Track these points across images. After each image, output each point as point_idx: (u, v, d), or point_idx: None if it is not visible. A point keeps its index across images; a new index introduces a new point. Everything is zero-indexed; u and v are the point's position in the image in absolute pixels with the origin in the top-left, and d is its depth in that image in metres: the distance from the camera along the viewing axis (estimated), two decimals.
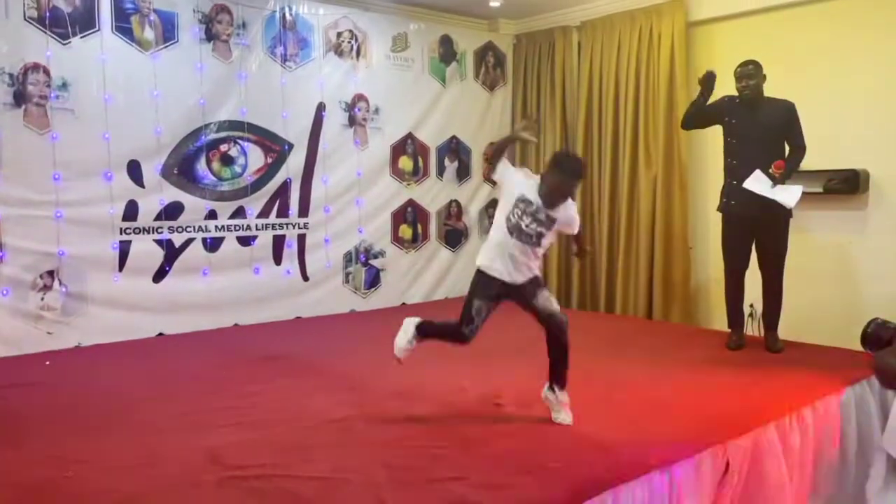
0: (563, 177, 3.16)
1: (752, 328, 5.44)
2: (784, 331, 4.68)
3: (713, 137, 5.77)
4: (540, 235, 3.21)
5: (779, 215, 4.46)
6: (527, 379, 3.91)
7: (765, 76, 4.48)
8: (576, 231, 3.36)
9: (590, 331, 4.99)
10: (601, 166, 6.31)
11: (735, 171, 4.53)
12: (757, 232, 4.56)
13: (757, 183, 4.37)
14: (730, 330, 4.77)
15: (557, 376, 3.26)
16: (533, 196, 3.18)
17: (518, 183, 3.24)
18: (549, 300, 3.29)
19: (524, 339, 4.92)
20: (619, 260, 6.14)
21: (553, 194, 3.16)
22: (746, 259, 4.65)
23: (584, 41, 6.42)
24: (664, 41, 5.79)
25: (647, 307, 5.97)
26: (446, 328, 3.39)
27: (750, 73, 4.45)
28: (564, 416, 3.23)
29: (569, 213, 3.25)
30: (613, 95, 6.17)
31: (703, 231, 5.88)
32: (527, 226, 3.18)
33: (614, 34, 6.13)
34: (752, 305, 5.43)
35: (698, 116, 4.71)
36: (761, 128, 4.45)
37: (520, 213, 3.18)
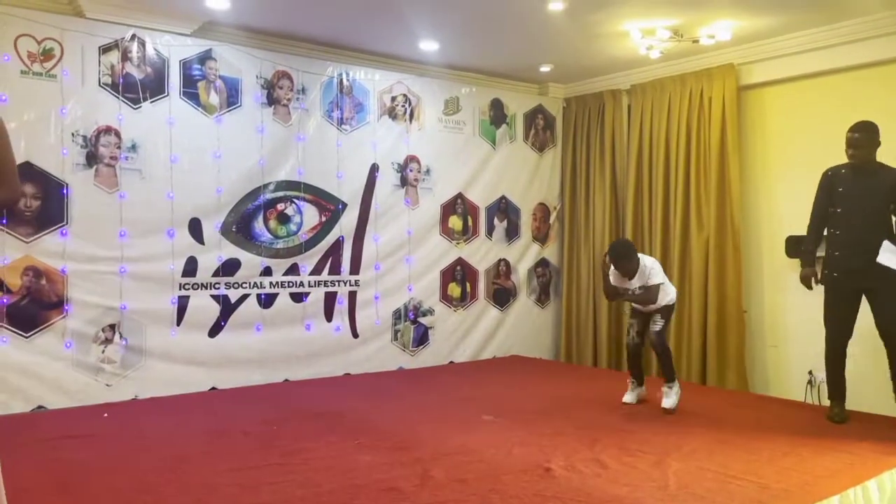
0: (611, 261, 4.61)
1: (811, 396, 5.28)
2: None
3: (766, 198, 5.74)
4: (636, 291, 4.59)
5: (890, 281, 4.17)
6: (575, 443, 3.86)
7: (879, 142, 4.26)
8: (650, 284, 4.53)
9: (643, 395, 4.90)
10: (652, 228, 6.28)
11: (836, 241, 4.33)
12: (868, 301, 4.30)
13: (891, 256, 4.11)
14: (830, 402, 4.48)
15: (664, 373, 4.64)
16: (618, 282, 4.66)
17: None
18: (653, 323, 4.62)
19: (573, 404, 4.88)
20: (672, 323, 6.03)
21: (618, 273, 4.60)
22: (850, 330, 4.39)
23: (635, 104, 6.49)
24: (715, 104, 5.81)
25: (700, 372, 5.83)
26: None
27: (857, 141, 4.23)
28: (666, 401, 4.55)
29: (644, 273, 4.51)
30: (664, 157, 6.19)
31: (758, 295, 5.77)
32: (630, 293, 4.64)
33: (664, 97, 6.18)
34: (811, 372, 5.29)
35: (823, 221, 4.48)
36: (867, 196, 4.24)
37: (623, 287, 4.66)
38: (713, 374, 5.73)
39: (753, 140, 5.83)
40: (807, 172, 5.43)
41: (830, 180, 4.42)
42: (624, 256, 4.51)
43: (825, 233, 4.47)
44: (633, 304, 4.78)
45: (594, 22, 5.13)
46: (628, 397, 4.83)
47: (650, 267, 4.53)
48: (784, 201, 5.63)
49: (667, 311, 4.67)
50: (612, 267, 4.58)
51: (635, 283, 4.54)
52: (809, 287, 4.51)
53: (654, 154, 6.29)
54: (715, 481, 3.26)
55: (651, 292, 4.51)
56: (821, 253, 4.50)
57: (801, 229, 5.39)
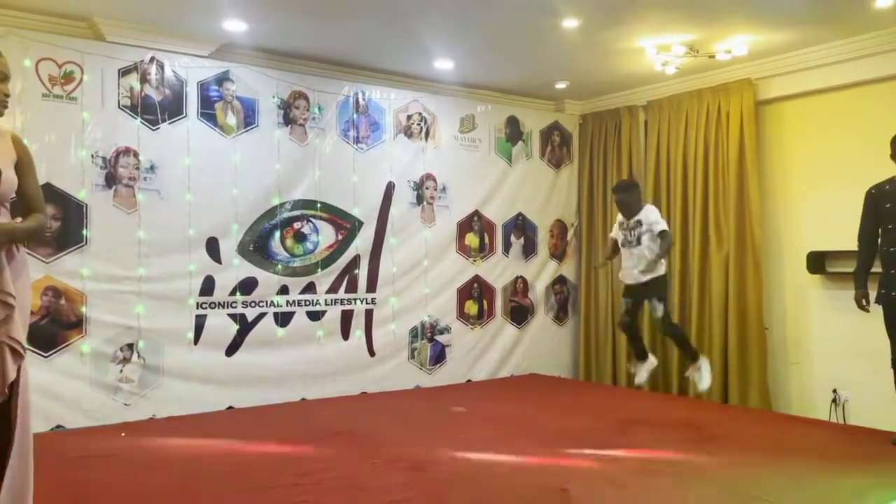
0: (614, 195, 5.08)
1: (836, 415, 5.19)
2: None
3: (786, 214, 5.67)
4: (638, 238, 4.80)
5: None
6: (594, 463, 3.81)
7: None
8: (657, 230, 4.74)
9: (663, 413, 4.83)
10: None
11: (890, 258, 4.16)
12: None
13: None
14: None
15: (685, 355, 4.90)
16: (621, 218, 4.98)
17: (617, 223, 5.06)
18: (653, 310, 4.86)
19: (592, 423, 4.83)
20: (691, 340, 5.94)
21: (620, 209, 4.95)
22: None
23: (651, 120, 6.45)
24: (733, 119, 5.76)
25: (722, 390, 5.73)
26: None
27: None
28: (700, 383, 4.83)
29: (649, 216, 4.79)
30: (682, 173, 6.14)
31: (780, 311, 5.69)
32: (625, 237, 4.89)
33: (681, 113, 6.14)
34: (835, 391, 5.21)
35: (872, 241, 4.30)
36: None
37: (620, 232, 4.95)
38: (734, 392, 5.64)
39: (772, 155, 5.77)
40: (828, 186, 5.39)
41: (875, 198, 4.27)
42: (626, 189, 4.93)
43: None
44: (625, 281, 4.97)
45: (609, 38, 5.13)
46: (639, 378, 5.05)
47: (652, 213, 4.84)
48: (805, 216, 5.56)
49: (658, 287, 4.78)
50: (616, 205, 5.01)
51: (634, 223, 4.84)
52: (863, 309, 4.31)
53: (671, 170, 6.25)
54: (736, 502, 3.19)
55: (664, 238, 4.76)
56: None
57: (823, 245, 5.36)
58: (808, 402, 5.48)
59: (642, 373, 5.00)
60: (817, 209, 5.47)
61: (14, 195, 2.50)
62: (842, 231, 5.17)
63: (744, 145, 5.71)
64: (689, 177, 6.09)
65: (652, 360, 5.04)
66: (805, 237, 5.52)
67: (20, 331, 2.35)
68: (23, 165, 2.50)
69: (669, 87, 6.23)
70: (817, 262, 5.37)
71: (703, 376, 4.74)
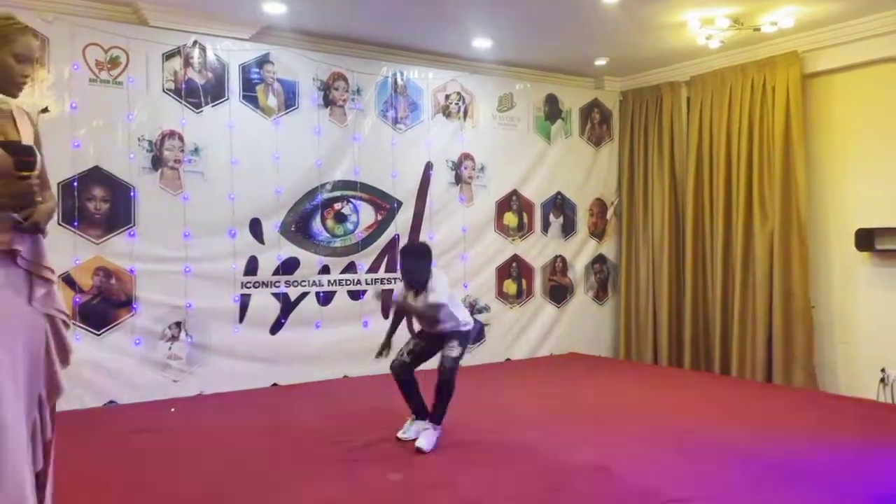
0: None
1: (884, 395, 5.09)
2: None
3: (833, 189, 5.54)
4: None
5: None
6: (636, 442, 3.80)
7: None
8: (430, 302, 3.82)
9: (705, 393, 4.79)
10: (713, 222, 6.12)
11: None
12: None
13: None
14: None
15: (433, 410, 3.85)
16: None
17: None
18: (448, 348, 3.89)
19: (632, 403, 4.82)
20: (735, 319, 5.87)
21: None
22: None
23: (694, 96, 6.33)
24: (779, 94, 5.62)
25: (766, 370, 5.65)
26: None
27: None
28: (421, 441, 3.69)
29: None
30: (725, 149, 6.02)
31: (826, 289, 5.57)
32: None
33: (725, 88, 6.02)
34: (883, 370, 5.10)
35: None
36: None
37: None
38: (779, 371, 5.56)
39: (819, 129, 5.63)
40: (878, 161, 5.25)
41: None
42: (412, 254, 4.00)
43: None
44: (420, 325, 4.16)
45: (650, 13, 5.03)
46: (403, 433, 3.90)
47: (436, 284, 3.83)
48: (854, 192, 5.42)
49: (463, 337, 3.94)
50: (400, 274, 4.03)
51: (420, 302, 3.87)
52: None
53: (714, 146, 6.13)
54: (781, 482, 3.17)
55: (437, 311, 3.81)
56: None
57: (872, 221, 5.22)
58: (854, 381, 5.37)
59: (411, 431, 3.89)
60: (866, 185, 5.33)
61: None
62: (892, 207, 5.05)
63: (790, 120, 5.57)
64: (734, 153, 5.97)
65: (427, 424, 3.86)
66: (853, 213, 5.38)
67: (63, 303, 2.40)
68: (38, 141, 2.40)
69: (713, 62, 6.10)
70: (866, 238, 5.24)
71: (430, 438, 3.72)
